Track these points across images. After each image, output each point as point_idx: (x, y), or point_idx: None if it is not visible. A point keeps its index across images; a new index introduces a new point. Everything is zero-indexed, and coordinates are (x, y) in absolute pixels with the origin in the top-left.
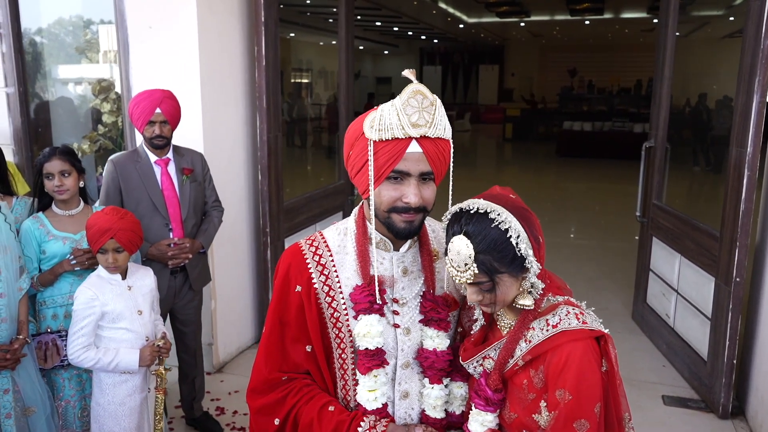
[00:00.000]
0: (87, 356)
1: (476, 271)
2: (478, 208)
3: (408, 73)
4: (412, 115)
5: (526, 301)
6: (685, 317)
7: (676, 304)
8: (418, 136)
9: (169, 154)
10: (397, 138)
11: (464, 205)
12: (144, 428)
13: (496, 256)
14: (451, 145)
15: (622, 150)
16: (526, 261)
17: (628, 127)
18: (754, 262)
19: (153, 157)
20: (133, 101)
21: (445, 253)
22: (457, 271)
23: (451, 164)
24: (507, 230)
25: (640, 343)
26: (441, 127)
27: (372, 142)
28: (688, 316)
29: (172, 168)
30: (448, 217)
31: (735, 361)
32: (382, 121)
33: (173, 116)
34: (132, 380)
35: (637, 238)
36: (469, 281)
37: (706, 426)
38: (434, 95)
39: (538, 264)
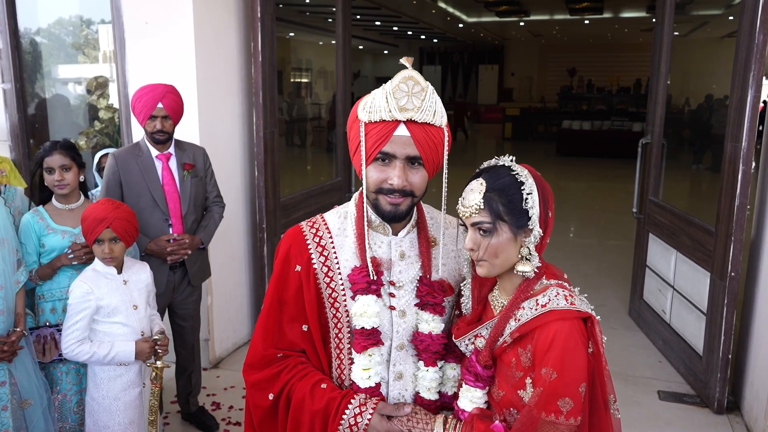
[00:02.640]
0: (81, 350)
1: (481, 206)
2: (503, 163)
3: (405, 60)
4: (400, 99)
5: (525, 268)
6: (680, 313)
7: (672, 299)
8: (405, 120)
9: (171, 149)
10: (385, 120)
11: (492, 160)
12: (138, 423)
13: (504, 200)
14: (446, 133)
15: (622, 149)
16: (530, 221)
17: (627, 126)
18: (749, 257)
19: (154, 152)
20: (135, 95)
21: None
22: (464, 207)
23: (446, 154)
24: (522, 183)
25: (636, 339)
26: (430, 112)
27: (363, 123)
28: (684, 311)
29: (173, 163)
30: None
31: (730, 356)
32: (373, 104)
33: (175, 111)
34: (127, 375)
35: (635, 237)
36: (473, 215)
37: (702, 421)
38: (427, 82)
39: (540, 230)
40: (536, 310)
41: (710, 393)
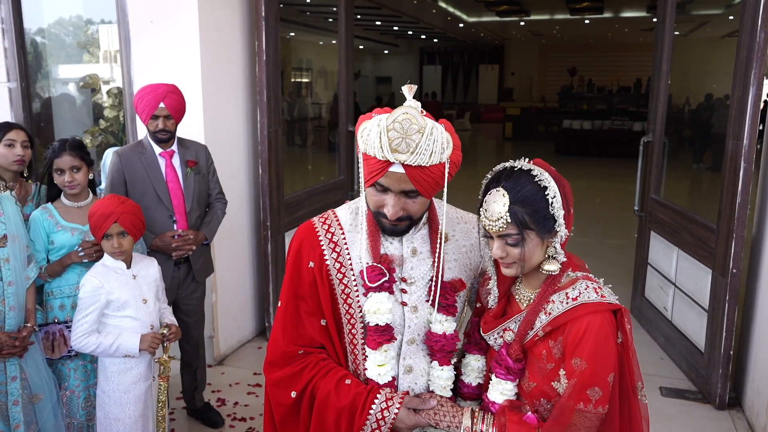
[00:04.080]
0: (89, 341)
1: (508, 220)
2: (521, 167)
3: (406, 89)
4: (394, 140)
5: (552, 267)
6: (682, 310)
7: (673, 297)
8: (396, 162)
9: (174, 147)
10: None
11: (507, 163)
12: (148, 416)
13: (529, 211)
14: (447, 166)
15: (622, 148)
16: (556, 224)
17: (627, 125)
18: (750, 254)
19: (158, 150)
20: (138, 94)
21: (479, 207)
22: (489, 220)
23: (446, 185)
24: (545, 188)
25: (638, 336)
26: (425, 154)
27: (361, 150)
28: (686, 308)
29: (176, 160)
30: (488, 177)
31: (732, 353)
32: (369, 138)
33: (177, 110)
34: (137, 368)
35: (637, 235)
36: (501, 230)
37: (703, 417)
38: (426, 121)
39: (567, 231)
40: (567, 303)
41: (712, 389)
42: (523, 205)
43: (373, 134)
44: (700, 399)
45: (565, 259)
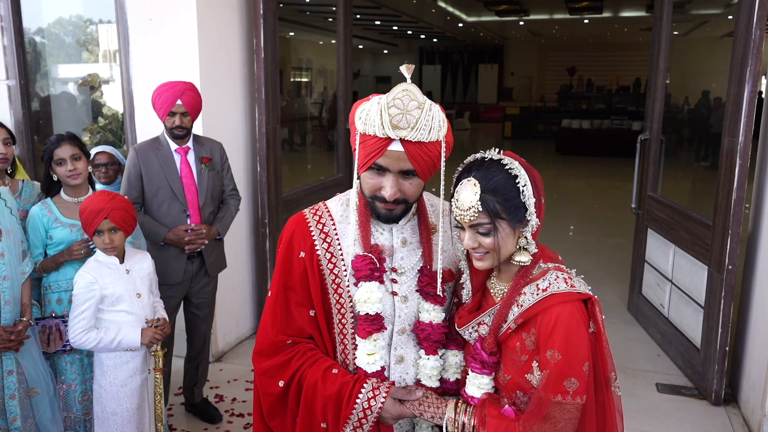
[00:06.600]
0: (88, 338)
1: (480, 209)
2: (491, 157)
3: (404, 68)
4: (395, 116)
5: (523, 258)
6: (678, 306)
7: (670, 294)
8: (397, 139)
9: (189, 143)
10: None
11: (478, 154)
12: (145, 409)
13: (500, 199)
14: (443, 145)
15: (621, 147)
16: (527, 212)
17: (626, 124)
18: (746, 250)
19: (173, 146)
20: (155, 92)
21: (451, 197)
22: (460, 210)
23: (443, 164)
24: (516, 177)
25: (635, 333)
26: (425, 131)
27: (359, 132)
28: (682, 305)
29: (191, 156)
30: (458, 169)
31: (727, 349)
32: (368, 117)
33: (194, 107)
34: (133, 362)
35: (634, 233)
36: (472, 219)
37: (699, 412)
38: (425, 98)
39: (537, 220)
40: (538, 294)
41: (708, 385)
42: (494, 193)
43: (374, 112)
44: (696, 395)
45: (536, 250)
